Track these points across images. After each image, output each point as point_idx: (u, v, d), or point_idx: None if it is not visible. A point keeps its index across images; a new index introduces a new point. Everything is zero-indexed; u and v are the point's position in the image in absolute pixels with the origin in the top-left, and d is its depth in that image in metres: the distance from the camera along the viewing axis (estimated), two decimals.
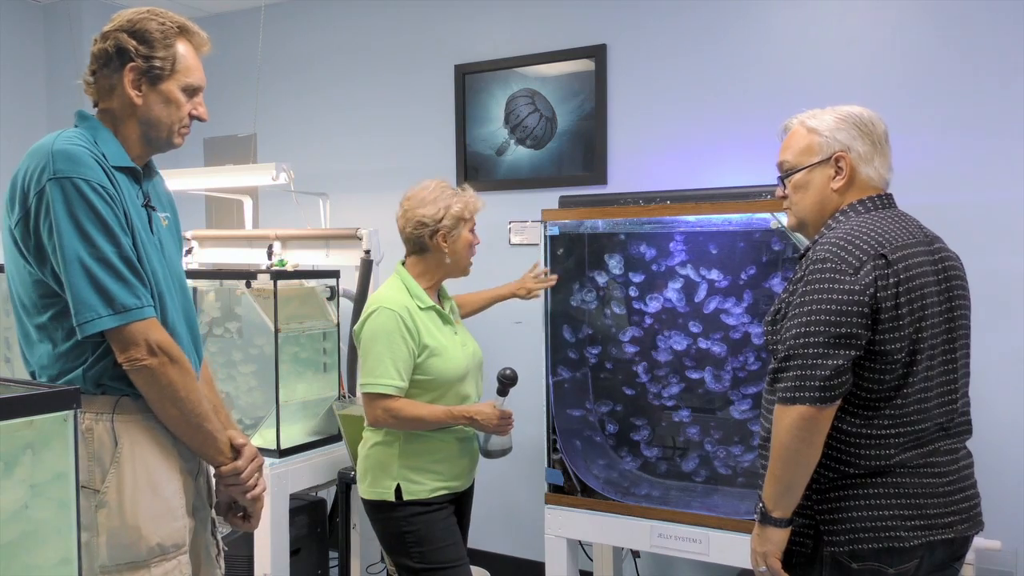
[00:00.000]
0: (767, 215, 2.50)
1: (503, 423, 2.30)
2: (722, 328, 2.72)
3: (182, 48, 1.68)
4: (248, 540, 3.07)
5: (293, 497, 3.17)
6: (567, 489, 2.81)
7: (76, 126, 1.66)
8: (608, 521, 2.72)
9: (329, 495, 3.48)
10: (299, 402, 3.25)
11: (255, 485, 1.77)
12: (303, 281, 3.23)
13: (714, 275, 2.71)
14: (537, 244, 2.88)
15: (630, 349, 2.88)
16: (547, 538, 2.83)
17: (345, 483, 3.23)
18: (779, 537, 1.67)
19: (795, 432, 1.59)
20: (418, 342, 2.29)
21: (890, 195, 1.77)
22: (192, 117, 1.72)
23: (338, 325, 3.30)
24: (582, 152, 3.49)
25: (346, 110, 4.12)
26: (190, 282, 2.29)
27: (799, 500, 1.65)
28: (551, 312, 2.86)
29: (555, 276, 2.79)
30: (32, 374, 1.64)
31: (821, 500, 1.66)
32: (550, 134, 3.56)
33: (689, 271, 2.75)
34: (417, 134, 3.90)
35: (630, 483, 2.88)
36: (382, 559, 3.11)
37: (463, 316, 2.66)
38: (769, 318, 1.76)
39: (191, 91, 1.70)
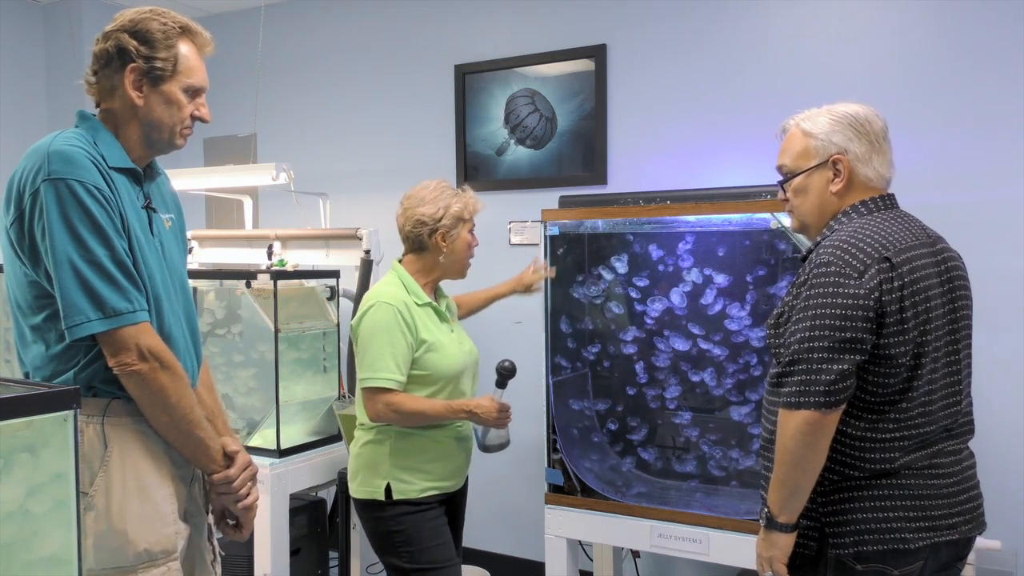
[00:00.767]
0: (767, 215, 2.50)
1: (502, 416, 2.30)
2: (723, 329, 2.71)
3: (184, 49, 1.66)
4: (248, 540, 3.06)
5: (293, 497, 3.17)
6: (567, 489, 2.81)
7: (77, 126, 1.65)
8: (608, 521, 2.72)
9: (329, 495, 3.48)
10: (299, 402, 3.24)
11: (247, 495, 1.73)
12: (303, 281, 3.23)
13: (712, 275, 2.70)
14: (537, 244, 2.88)
15: (630, 349, 2.88)
16: (547, 538, 2.83)
17: (345, 483, 3.22)
18: (785, 542, 1.66)
19: (800, 437, 1.58)
20: (416, 337, 2.29)
21: (892, 195, 1.76)
22: (194, 118, 1.70)
23: (338, 325, 3.30)
24: (582, 152, 3.49)
25: (346, 110, 4.11)
26: (190, 282, 2.28)
27: (804, 504, 1.65)
28: (551, 311, 2.86)
29: (553, 268, 2.79)
30: (26, 374, 1.62)
31: (825, 502, 1.65)
32: (550, 134, 3.56)
33: (690, 271, 2.75)
34: (417, 134, 3.90)
35: (623, 482, 2.88)
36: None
37: (463, 316, 2.66)
38: (772, 321, 1.75)
39: (193, 92, 1.68)
